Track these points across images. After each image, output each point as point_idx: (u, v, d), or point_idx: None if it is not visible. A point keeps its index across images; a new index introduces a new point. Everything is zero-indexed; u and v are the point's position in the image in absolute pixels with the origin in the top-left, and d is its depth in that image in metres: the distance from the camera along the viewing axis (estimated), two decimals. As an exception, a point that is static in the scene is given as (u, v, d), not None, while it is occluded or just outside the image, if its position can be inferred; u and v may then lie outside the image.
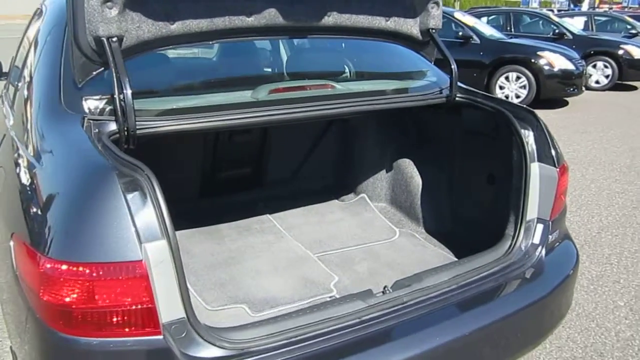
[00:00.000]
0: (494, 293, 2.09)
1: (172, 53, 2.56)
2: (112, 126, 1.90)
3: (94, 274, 1.49)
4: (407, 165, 3.21)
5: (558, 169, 2.28)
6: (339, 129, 3.47)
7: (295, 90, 2.41)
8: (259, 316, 2.24)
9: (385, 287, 1.98)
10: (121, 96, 1.84)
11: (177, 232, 2.91)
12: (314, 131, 3.46)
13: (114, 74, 1.86)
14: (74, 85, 2.02)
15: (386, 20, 2.46)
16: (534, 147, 2.27)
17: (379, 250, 2.85)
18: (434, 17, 2.55)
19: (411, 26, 2.55)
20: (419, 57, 2.85)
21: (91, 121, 1.93)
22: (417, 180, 3.15)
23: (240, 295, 2.38)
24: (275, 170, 3.49)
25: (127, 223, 1.51)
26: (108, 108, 1.97)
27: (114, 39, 1.91)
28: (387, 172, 3.35)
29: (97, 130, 1.86)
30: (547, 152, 2.29)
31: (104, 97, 2.03)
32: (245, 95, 2.29)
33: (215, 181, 3.31)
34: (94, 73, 2.04)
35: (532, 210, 2.28)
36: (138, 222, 1.53)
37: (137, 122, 1.90)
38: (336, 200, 3.44)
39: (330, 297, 2.41)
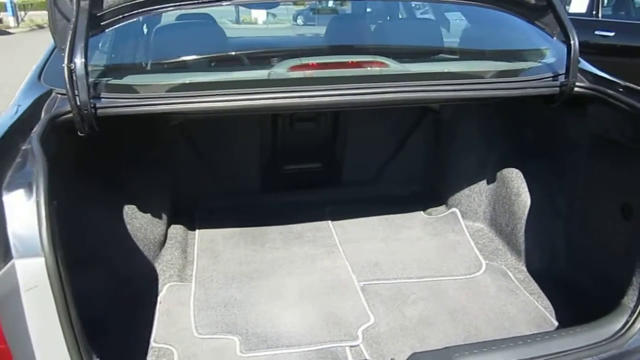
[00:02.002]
0: None
1: (173, 19, 2.16)
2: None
3: None
4: (514, 178, 2.38)
5: None
6: (431, 124, 2.75)
7: (326, 68, 1.82)
8: (247, 357, 1.77)
9: None
10: (71, 66, 1.49)
11: (218, 230, 2.61)
12: (401, 125, 2.80)
13: (69, 37, 1.52)
14: (59, 53, 1.75)
15: None
16: None
17: (448, 288, 2.14)
18: None
19: None
20: (531, 30, 2.04)
21: (58, 96, 1.65)
22: (525, 200, 2.32)
23: (240, 324, 1.92)
24: (352, 169, 2.92)
25: None
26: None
27: (83, 1, 1.57)
28: (488, 183, 2.55)
29: (54, 107, 1.56)
30: None
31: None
32: (257, 73, 1.79)
33: (280, 175, 2.88)
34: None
35: None
36: (11, 228, 1.16)
37: (103, 100, 1.56)
38: (422, 213, 2.75)
39: (351, 346, 1.82)
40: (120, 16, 1.71)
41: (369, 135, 2.81)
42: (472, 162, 2.59)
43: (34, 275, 1.15)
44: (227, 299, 2.07)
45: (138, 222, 2.19)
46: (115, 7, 1.68)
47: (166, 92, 1.68)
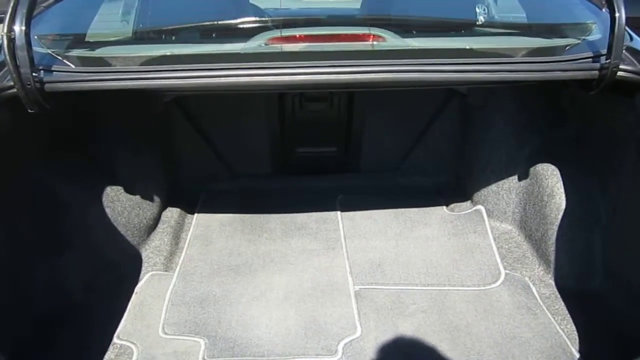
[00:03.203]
0: None
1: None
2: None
3: None
4: (549, 176, 2.03)
5: None
6: (458, 109, 2.42)
7: (310, 41, 1.56)
8: None
9: None
10: (11, 34, 1.33)
11: (217, 216, 2.43)
12: (426, 109, 2.49)
13: (11, 2, 1.35)
14: None
15: None
16: None
17: (456, 301, 1.85)
18: None
19: None
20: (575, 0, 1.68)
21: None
22: (559, 202, 1.97)
23: (211, 325, 1.74)
24: (370, 155, 2.65)
25: None
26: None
27: None
28: (519, 180, 2.21)
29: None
30: None
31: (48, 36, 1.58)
32: (232, 47, 1.56)
33: (292, 158, 2.66)
34: (42, 6, 1.60)
35: None
36: None
37: (55, 74, 1.40)
38: (444, 208, 2.44)
39: None
40: None
41: (389, 118, 2.52)
42: (501, 155, 2.25)
43: None
44: (205, 295, 1.90)
45: (120, 205, 2.05)
46: None
47: (123, 66, 1.49)
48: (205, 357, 1.61)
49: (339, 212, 2.41)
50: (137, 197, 2.16)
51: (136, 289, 1.93)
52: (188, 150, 2.51)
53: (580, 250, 1.91)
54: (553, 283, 1.94)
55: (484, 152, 2.33)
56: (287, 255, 2.13)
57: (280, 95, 2.35)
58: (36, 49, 1.57)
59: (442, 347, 1.65)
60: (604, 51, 1.47)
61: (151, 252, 2.13)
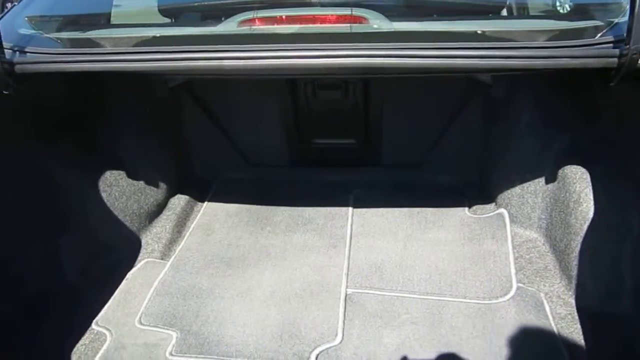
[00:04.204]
0: None
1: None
2: None
3: None
4: (577, 180, 1.78)
5: None
6: (483, 102, 2.19)
7: (286, 23, 1.43)
8: (175, 358, 1.53)
9: None
10: None
11: (225, 205, 2.37)
12: (450, 100, 2.28)
13: None
14: None
15: None
16: None
17: (455, 314, 1.67)
18: None
19: None
20: None
21: None
22: (586, 210, 1.72)
23: (187, 319, 1.69)
24: (392, 149, 2.48)
25: None
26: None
27: None
28: (546, 183, 1.96)
29: None
30: None
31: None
32: (204, 29, 1.48)
33: (310, 149, 2.55)
34: None
35: None
36: None
37: (28, 55, 1.39)
38: (466, 210, 2.23)
39: None
40: None
41: (410, 110, 2.33)
42: (527, 154, 2.01)
43: None
44: (191, 286, 1.84)
45: (119, 189, 2.04)
46: None
47: (96, 49, 1.45)
48: (173, 352, 1.55)
49: (350, 208, 2.28)
50: (140, 182, 2.14)
51: (128, 275, 1.92)
52: (201, 139, 2.47)
53: (607, 265, 1.65)
54: (573, 302, 1.70)
55: (508, 150, 2.10)
56: (286, 250, 2.03)
57: (291, 82, 2.24)
58: (23, 30, 1.57)
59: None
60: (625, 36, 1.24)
61: (151, 238, 2.11)
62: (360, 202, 2.31)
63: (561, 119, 1.91)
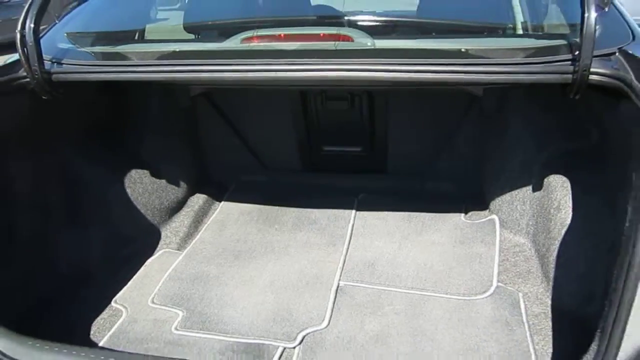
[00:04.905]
0: None
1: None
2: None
3: None
4: (559, 188, 1.90)
5: None
6: (478, 113, 2.33)
7: (282, 40, 1.64)
8: (178, 334, 1.74)
9: None
10: (23, 32, 1.58)
11: (240, 205, 2.58)
12: (449, 112, 2.43)
13: (27, 7, 1.61)
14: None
15: None
16: None
17: (434, 307, 1.81)
18: None
19: None
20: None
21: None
22: (564, 216, 1.84)
23: (193, 301, 1.89)
24: (397, 158, 2.64)
25: None
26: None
27: None
28: (533, 190, 2.08)
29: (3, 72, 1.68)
30: None
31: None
32: (212, 45, 1.70)
33: (320, 156, 2.74)
34: (69, 7, 1.87)
35: None
36: None
37: (65, 65, 1.65)
38: (462, 215, 2.36)
39: (284, 347, 1.67)
40: None
41: (413, 121, 2.50)
42: (516, 164, 2.14)
43: None
44: (201, 273, 2.05)
45: (142, 187, 2.28)
46: None
47: (121, 61, 1.69)
48: (178, 327, 1.76)
49: (354, 211, 2.45)
50: (162, 181, 2.38)
51: (146, 262, 2.15)
52: (221, 143, 2.70)
53: (582, 269, 1.76)
54: (549, 301, 1.81)
55: (500, 160, 2.23)
56: (289, 246, 2.22)
57: (302, 93, 2.44)
58: (62, 44, 1.84)
59: (399, 350, 1.64)
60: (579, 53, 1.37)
61: (170, 231, 2.34)
62: (363, 206, 2.47)
63: (548, 132, 2.03)
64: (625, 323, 1.06)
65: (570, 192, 1.85)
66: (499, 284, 1.91)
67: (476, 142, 2.41)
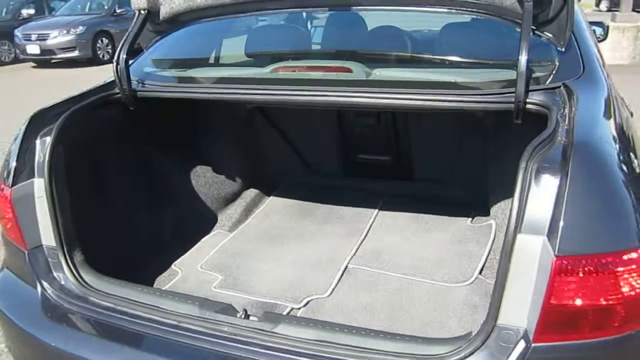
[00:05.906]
0: None
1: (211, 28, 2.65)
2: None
3: None
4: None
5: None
6: (484, 130, 2.65)
7: (302, 70, 2.13)
8: (215, 292, 2.27)
9: (245, 311, 1.70)
10: (118, 60, 2.20)
11: (285, 200, 3.10)
12: (458, 129, 2.78)
13: (122, 42, 2.22)
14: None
15: None
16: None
17: (419, 290, 2.19)
18: None
19: None
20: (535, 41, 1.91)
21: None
22: None
23: (231, 269, 2.42)
24: (422, 167, 3.03)
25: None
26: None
27: (143, 11, 2.24)
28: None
29: (104, 88, 2.31)
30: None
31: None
32: (253, 72, 2.23)
33: (356, 163, 3.19)
34: (153, 40, 2.48)
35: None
36: (36, 161, 1.93)
37: (147, 85, 2.24)
38: (468, 220, 2.70)
39: (291, 308, 2.14)
40: (173, 24, 2.34)
41: (433, 136, 2.87)
42: (507, 176, 2.45)
43: (41, 189, 1.91)
44: (241, 250, 2.59)
45: (204, 180, 2.87)
46: (167, 17, 2.30)
47: (186, 83, 2.27)
48: (216, 287, 2.30)
49: (376, 210, 2.87)
50: (221, 176, 2.96)
51: (203, 239, 2.72)
52: (272, 149, 3.23)
53: None
54: None
55: (499, 171, 2.54)
56: (315, 235, 2.69)
57: (339, 111, 2.92)
58: (147, 68, 2.45)
59: (380, 317, 2.04)
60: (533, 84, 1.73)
61: (224, 217, 2.90)
62: (387, 207, 2.89)
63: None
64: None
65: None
66: (480, 276, 2.24)
67: (482, 156, 2.74)
